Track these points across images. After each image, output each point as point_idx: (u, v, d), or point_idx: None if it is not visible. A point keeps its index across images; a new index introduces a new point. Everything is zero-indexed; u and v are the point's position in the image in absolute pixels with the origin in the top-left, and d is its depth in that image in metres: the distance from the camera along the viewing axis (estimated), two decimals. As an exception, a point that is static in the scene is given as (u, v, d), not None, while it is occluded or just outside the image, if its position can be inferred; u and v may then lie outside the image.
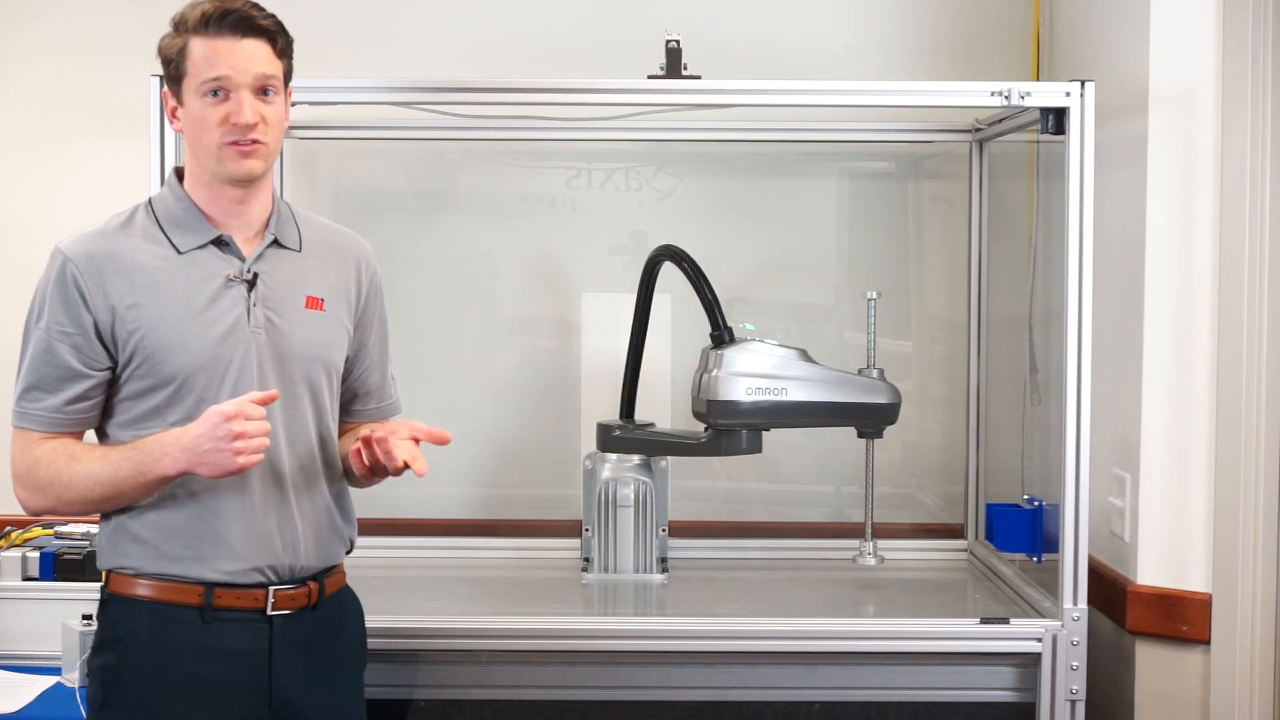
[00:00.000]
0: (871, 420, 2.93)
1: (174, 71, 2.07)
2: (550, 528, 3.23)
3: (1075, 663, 2.55)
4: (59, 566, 2.84)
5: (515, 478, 3.35)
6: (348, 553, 2.26)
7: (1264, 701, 2.57)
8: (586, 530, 3.00)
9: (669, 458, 3.00)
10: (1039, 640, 2.56)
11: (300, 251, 2.18)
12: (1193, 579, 2.64)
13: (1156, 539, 2.66)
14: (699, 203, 3.33)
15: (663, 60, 2.70)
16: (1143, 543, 2.67)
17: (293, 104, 2.91)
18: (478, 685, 2.58)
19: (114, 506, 2.07)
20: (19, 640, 2.79)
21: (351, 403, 2.30)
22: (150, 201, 2.15)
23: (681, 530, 3.13)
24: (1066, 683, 2.55)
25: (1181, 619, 2.62)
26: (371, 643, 2.53)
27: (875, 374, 2.93)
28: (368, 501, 3.35)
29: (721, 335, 2.83)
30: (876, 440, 3.06)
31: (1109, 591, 2.73)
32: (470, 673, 2.58)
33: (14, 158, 3.31)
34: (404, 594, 2.89)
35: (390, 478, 2.18)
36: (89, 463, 2.04)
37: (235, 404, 1.96)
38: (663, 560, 2.99)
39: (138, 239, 2.09)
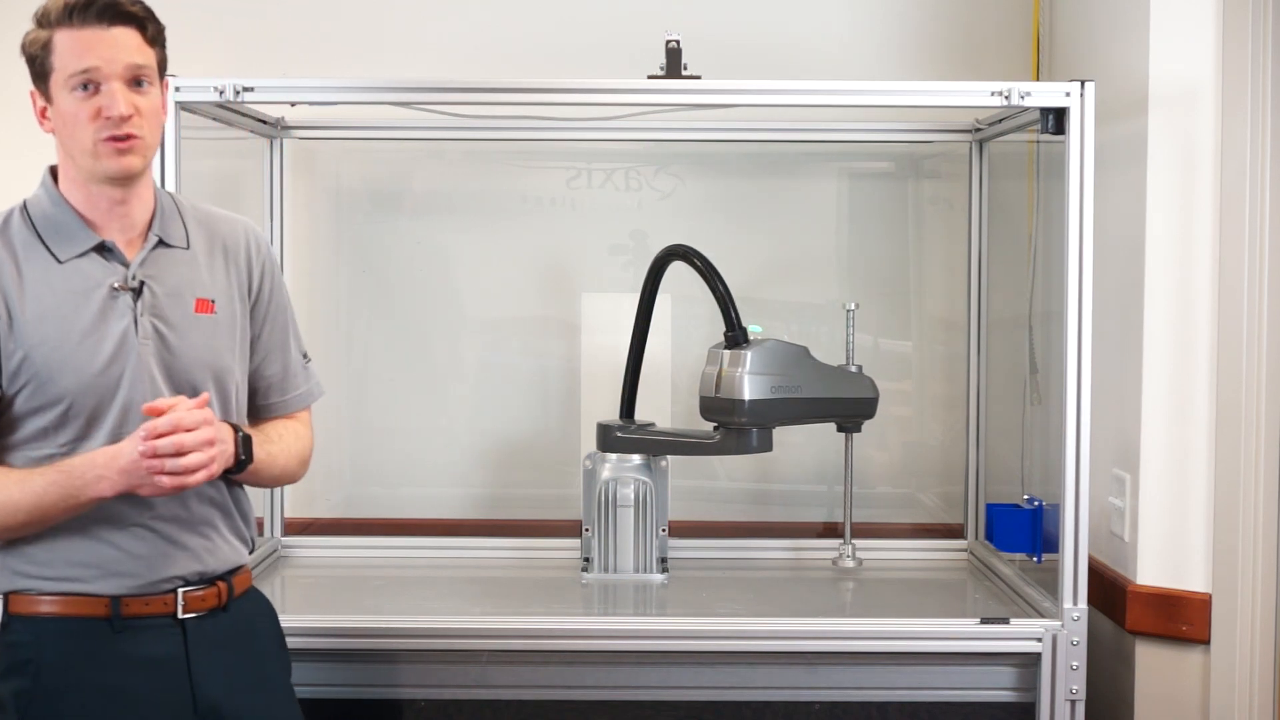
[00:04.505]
0: (859, 414, 2.98)
1: (40, 68, 1.96)
2: (550, 528, 3.23)
3: (1075, 663, 2.55)
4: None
5: (515, 478, 3.35)
6: (250, 552, 2.18)
7: (1264, 701, 2.57)
8: (586, 530, 2.99)
9: (669, 457, 3.00)
10: (1039, 640, 2.56)
11: (189, 249, 2.08)
12: (1192, 579, 2.64)
13: (1156, 539, 2.66)
14: (699, 203, 3.33)
15: (663, 60, 2.70)
16: (1143, 543, 2.67)
17: (292, 104, 2.94)
18: (478, 685, 2.58)
19: (36, 531, 1.96)
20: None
21: (253, 398, 2.18)
22: (25, 205, 2.04)
23: (681, 530, 3.13)
24: (1066, 683, 2.55)
25: (1181, 619, 2.62)
26: (371, 643, 2.53)
27: (854, 369, 2.99)
28: (368, 501, 3.37)
29: (737, 335, 2.84)
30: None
31: (1109, 591, 2.73)
32: (470, 673, 2.58)
33: (14, 158, 3.31)
34: (405, 594, 2.89)
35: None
36: (6, 489, 1.94)
37: (149, 428, 1.86)
38: (663, 560, 2.99)
39: (15, 247, 1.99)
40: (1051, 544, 2.73)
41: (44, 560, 1.99)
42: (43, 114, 2.01)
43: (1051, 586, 2.65)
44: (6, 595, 2.01)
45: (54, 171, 2.07)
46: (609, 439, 2.95)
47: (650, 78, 2.69)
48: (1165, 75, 2.64)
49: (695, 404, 2.91)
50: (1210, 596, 2.61)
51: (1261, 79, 2.55)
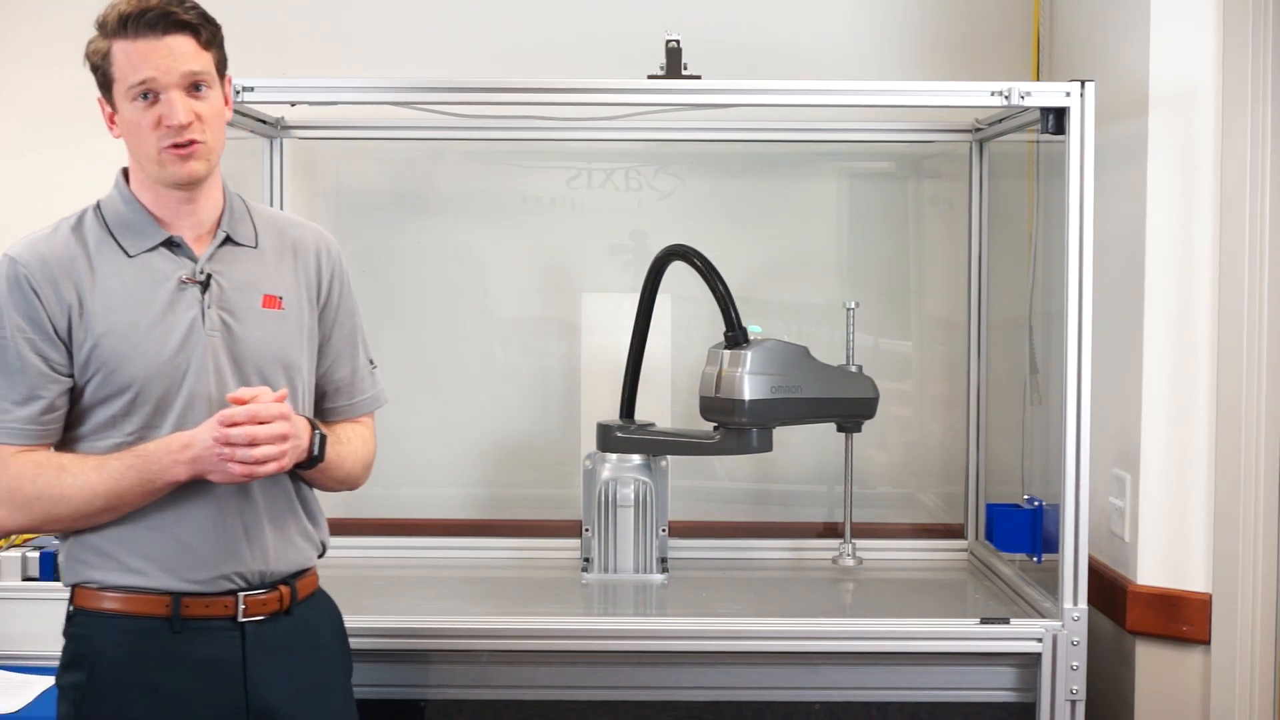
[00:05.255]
0: (859, 414, 2.98)
1: (103, 78, 2.01)
2: (550, 528, 3.23)
3: (1075, 663, 2.55)
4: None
5: (515, 478, 3.35)
6: (320, 556, 2.20)
7: (1264, 701, 2.57)
8: (586, 530, 2.99)
9: (669, 457, 3.00)
10: (1039, 640, 2.56)
11: (257, 248, 2.11)
12: (1193, 579, 2.64)
13: (1156, 539, 2.66)
14: (699, 203, 3.33)
15: (663, 60, 2.70)
16: (1143, 543, 2.67)
17: (292, 104, 2.94)
18: (478, 685, 2.58)
19: (111, 518, 2.00)
20: (19, 640, 2.79)
21: (321, 400, 2.21)
22: (99, 204, 2.08)
23: (681, 530, 3.13)
24: (1066, 683, 2.55)
25: (1181, 619, 2.62)
26: (371, 643, 2.53)
27: (855, 369, 2.99)
28: (368, 501, 3.36)
29: (737, 335, 2.84)
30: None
31: (1109, 591, 2.73)
32: (470, 673, 2.58)
33: (15, 158, 3.31)
34: (404, 594, 2.89)
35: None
36: (83, 475, 1.97)
37: (226, 415, 1.92)
38: (663, 560, 2.99)
39: (88, 243, 2.03)
40: (1051, 544, 2.73)
41: (108, 552, 2.02)
42: (110, 120, 2.06)
43: (1051, 586, 2.65)
44: (73, 588, 2.06)
45: (126, 172, 2.10)
46: (609, 439, 2.95)
47: (650, 78, 2.69)
48: (1165, 75, 2.64)
49: (695, 404, 2.91)
50: (1210, 596, 2.61)
51: (1261, 79, 2.55)
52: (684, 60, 2.69)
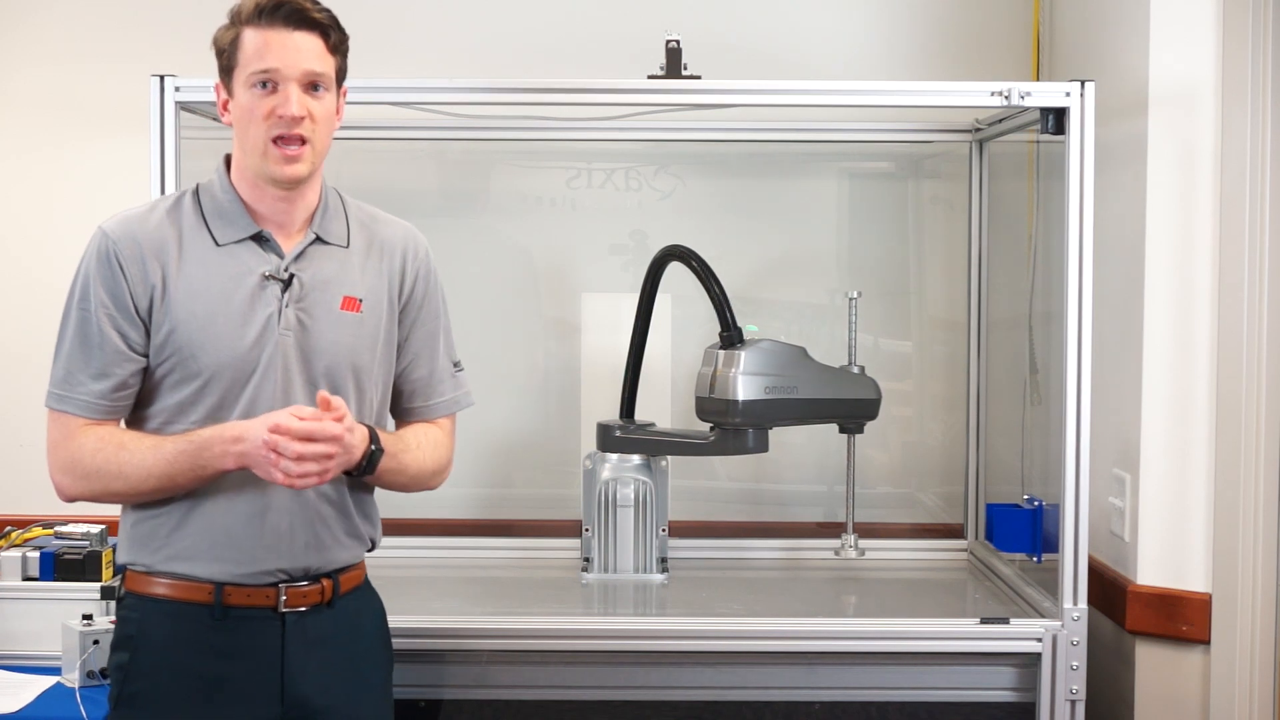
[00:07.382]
0: (859, 415, 2.97)
1: (226, 62, 2.05)
2: (550, 528, 3.23)
3: (1075, 663, 2.55)
4: (59, 566, 2.84)
5: (515, 478, 3.36)
6: (370, 550, 2.22)
7: (1264, 701, 2.57)
8: (586, 530, 2.99)
9: (669, 457, 3.00)
10: (1039, 640, 2.56)
11: (347, 247, 2.14)
12: (1193, 579, 2.64)
13: (1156, 539, 2.66)
14: (699, 203, 3.33)
15: (663, 60, 2.70)
16: (1143, 543, 2.67)
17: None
18: (478, 685, 2.58)
19: (165, 496, 2.04)
20: (19, 640, 2.79)
21: (398, 400, 2.24)
22: (198, 189, 2.12)
23: (681, 530, 3.13)
24: (1066, 683, 2.55)
25: (1181, 619, 2.62)
26: (371, 643, 2.52)
27: (857, 370, 2.98)
28: (368, 501, 3.35)
29: (732, 335, 2.83)
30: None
31: (1109, 591, 2.74)
32: (470, 673, 2.58)
33: (14, 158, 3.31)
34: (404, 594, 2.88)
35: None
36: (140, 453, 2.01)
37: (278, 425, 1.94)
38: (663, 560, 2.99)
39: (181, 226, 2.07)
40: (1051, 544, 2.73)
41: (160, 538, 2.06)
42: (224, 106, 2.09)
43: (1051, 586, 2.65)
44: (124, 571, 2.10)
45: (228, 160, 2.13)
46: (609, 439, 2.95)
47: (650, 78, 2.69)
48: (1165, 75, 2.64)
49: (694, 404, 2.91)
50: (1210, 596, 2.62)
51: (1261, 79, 2.55)
52: (684, 60, 2.69)
